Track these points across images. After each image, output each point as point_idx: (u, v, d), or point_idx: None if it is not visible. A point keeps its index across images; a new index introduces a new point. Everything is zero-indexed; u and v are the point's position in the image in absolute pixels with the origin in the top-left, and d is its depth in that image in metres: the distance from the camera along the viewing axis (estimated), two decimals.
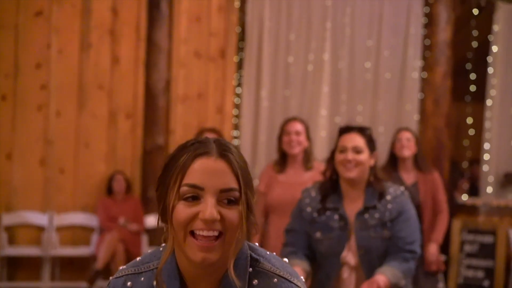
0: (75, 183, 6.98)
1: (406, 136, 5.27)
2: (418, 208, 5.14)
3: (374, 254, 3.18)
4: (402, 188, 3.31)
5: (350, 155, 3.16)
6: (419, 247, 3.26)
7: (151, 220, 6.76)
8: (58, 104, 6.94)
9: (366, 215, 3.19)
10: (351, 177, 3.17)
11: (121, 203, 6.82)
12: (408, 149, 5.23)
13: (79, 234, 7.02)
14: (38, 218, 6.86)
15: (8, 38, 6.81)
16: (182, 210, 1.45)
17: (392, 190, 3.24)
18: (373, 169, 3.23)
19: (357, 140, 3.19)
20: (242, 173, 1.49)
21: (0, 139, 6.81)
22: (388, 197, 3.21)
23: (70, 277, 6.94)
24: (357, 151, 3.16)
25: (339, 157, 3.19)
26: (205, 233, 1.44)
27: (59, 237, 6.87)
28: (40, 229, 6.86)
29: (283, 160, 4.60)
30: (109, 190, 6.88)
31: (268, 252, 1.62)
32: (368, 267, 3.17)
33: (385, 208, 3.19)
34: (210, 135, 5.02)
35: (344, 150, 3.18)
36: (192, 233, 1.46)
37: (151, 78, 7.01)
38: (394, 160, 5.31)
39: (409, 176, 5.26)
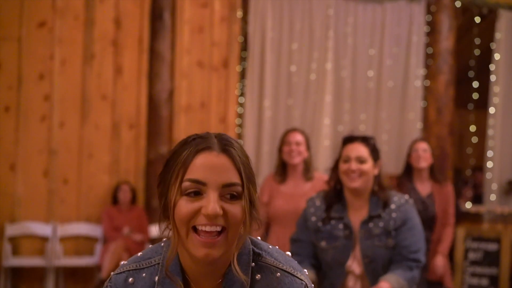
0: (78, 194, 6.98)
1: (422, 147, 5.25)
2: (433, 218, 5.13)
3: (379, 263, 3.18)
4: (406, 197, 3.31)
5: (354, 165, 3.16)
6: (424, 256, 3.25)
7: (156, 230, 6.76)
8: (61, 115, 6.96)
9: (371, 224, 3.19)
10: (355, 187, 3.17)
11: (126, 213, 6.83)
12: (424, 160, 5.20)
13: (82, 244, 7.02)
14: (41, 228, 6.86)
15: (11, 50, 6.84)
16: (184, 206, 1.44)
17: (397, 199, 3.24)
18: (377, 178, 3.24)
19: (361, 150, 3.19)
20: (244, 168, 1.48)
21: (3, 150, 6.83)
22: (393, 206, 3.21)
23: (74, 287, 6.94)
24: (361, 161, 3.17)
25: (343, 167, 3.20)
26: (207, 228, 1.43)
27: (62, 248, 6.88)
28: (44, 239, 6.86)
29: (283, 170, 4.62)
30: (114, 200, 6.89)
31: (270, 246, 1.61)
32: (373, 275, 3.17)
33: (390, 217, 3.19)
34: None
35: (348, 160, 3.19)
36: (195, 229, 1.44)
37: (154, 89, 7.03)
38: (409, 171, 5.29)
39: (424, 187, 5.22)
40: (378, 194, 3.23)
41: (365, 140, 3.24)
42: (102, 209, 6.90)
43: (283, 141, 4.60)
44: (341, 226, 3.22)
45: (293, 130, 4.71)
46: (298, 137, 4.55)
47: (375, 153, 3.23)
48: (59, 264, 6.76)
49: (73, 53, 7.00)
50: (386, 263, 3.19)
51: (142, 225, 6.79)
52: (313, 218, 3.28)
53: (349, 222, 3.21)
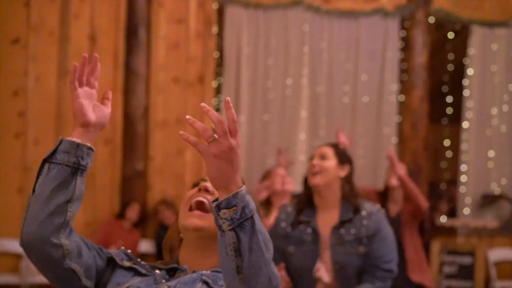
0: None
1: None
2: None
3: (349, 270, 3.17)
4: (377, 206, 3.33)
5: (315, 161, 3.24)
6: (396, 266, 3.27)
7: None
8: (36, 131, 6.91)
9: (342, 230, 3.20)
10: (315, 183, 3.22)
11: (125, 233, 6.64)
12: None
13: None
14: (16, 246, 6.74)
15: None
16: None
17: (368, 206, 3.27)
18: (344, 180, 3.25)
19: (325, 149, 3.29)
20: None
21: None
22: (364, 213, 3.23)
23: None
24: (323, 157, 3.24)
25: (308, 166, 3.29)
26: None
27: None
28: (18, 257, 6.79)
29: (267, 205, 4.57)
30: (121, 214, 6.74)
31: None
32: (343, 283, 3.16)
33: (361, 224, 3.20)
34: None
35: (311, 158, 3.29)
36: None
37: (129, 105, 7.01)
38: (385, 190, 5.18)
39: (395, 207, 5.01)
40: (350, 198, 3.24)
41: (333, 144, 3.38)
42: (103, 220, 6.78)
43: (267, 176, 4.59)
44: (309, 230, 3.24)
45: (276, 166, 4.79)
46: (282, 171, 4.61)
47: (342, 156, 3.28)
48: (34, 281, 6.68)
49: (47, 70, 6.96)
50: (356, 270, 3.19)
51: (132, 248, 6.62)
52: (283, 224, 3.30)
53: (316, 226, 3.22)
